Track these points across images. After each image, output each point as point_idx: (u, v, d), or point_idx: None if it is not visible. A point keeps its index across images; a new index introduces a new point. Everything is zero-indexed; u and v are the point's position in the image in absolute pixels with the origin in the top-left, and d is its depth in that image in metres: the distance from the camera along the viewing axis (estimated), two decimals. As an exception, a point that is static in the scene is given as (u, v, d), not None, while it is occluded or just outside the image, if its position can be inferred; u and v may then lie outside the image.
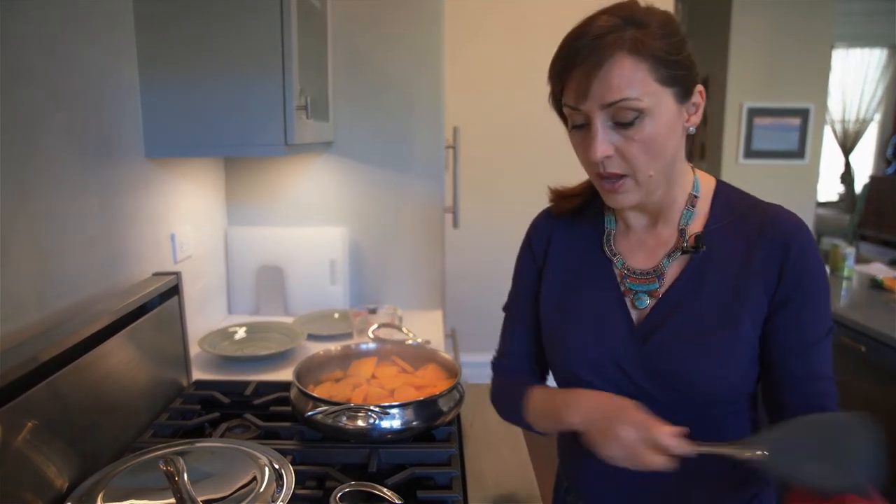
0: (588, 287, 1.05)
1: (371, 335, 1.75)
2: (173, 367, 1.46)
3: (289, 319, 2.06)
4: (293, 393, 1.27)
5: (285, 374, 1.56)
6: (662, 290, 0.99)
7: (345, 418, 1.18)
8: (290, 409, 1.29)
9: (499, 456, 1.28)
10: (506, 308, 1.18)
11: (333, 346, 1.47)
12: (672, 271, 0.99)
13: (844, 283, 3.09)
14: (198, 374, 1.61)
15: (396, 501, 0.87)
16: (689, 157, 1.04)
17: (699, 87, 0.94)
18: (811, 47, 4.31)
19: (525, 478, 1.21)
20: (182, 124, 1.47)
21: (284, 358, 1.74)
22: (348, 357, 1.46)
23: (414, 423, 1.20)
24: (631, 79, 0.85)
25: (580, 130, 0.92)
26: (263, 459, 0.99)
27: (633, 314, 1.00)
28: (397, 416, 1.19)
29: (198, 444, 1.06)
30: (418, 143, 2.15)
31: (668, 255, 1.00)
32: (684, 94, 0.91)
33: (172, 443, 1.07)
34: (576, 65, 0.87)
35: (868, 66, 7.20)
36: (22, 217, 1.05)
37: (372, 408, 1.19)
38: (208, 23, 1.43)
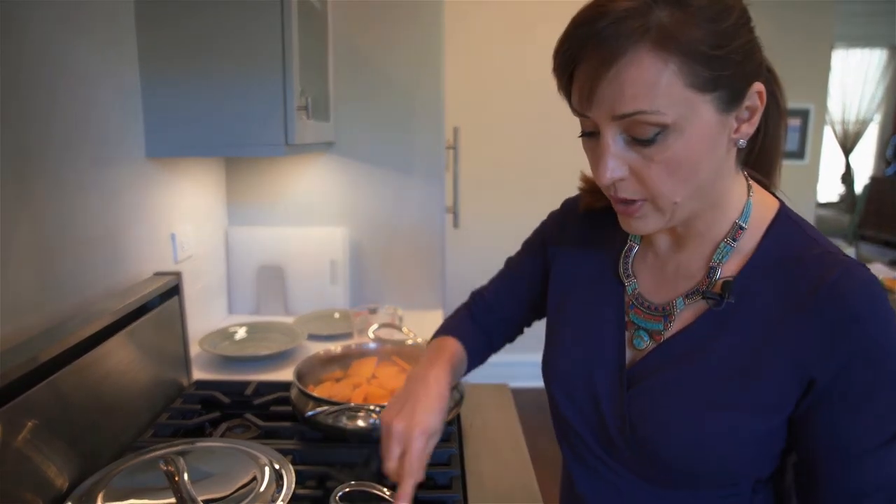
0: (592, 302, 0.90)
1: (371, 335, 1.75)
2: (174, 367, 1.46)
3: (289, 319, 2.06)
4: (293, 393, 1.27)
5: (286, 374, 1.56)
6: (667, 335, 0.81)
7: (345, 418, 1.18)
8: (290, 408, 1.29)
9: (499, 456, 1.28)
10: (508, 260, 1.15)
11: (334, 346, 1.47)
12: (685, 316, 0.80)
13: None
14: (198, 374, 1.61)
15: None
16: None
17: (757, 87, 0.71)
18: (811, 48, 4.31)
19: (525, 478, 1.21)
20: (183, 124, 1.47)
21: (285, 358, 1.74)
22: (349, 357, 1.46)
23: (414, 422, 1.20)
24: (651, 85, 0.65)
25: (591, 138, 0.74)
26: (264, 459, 0.99)
27: (628, 353, 0.84)
28: (397, 415, 1.19)
29: (198, 444, 1.06)
30: (419, 143, 2.15)
31: (687, 295, 0.80)
32: (732, 99, 0.69)
33: (173, 442, 1.08)
34: (580, 59, 0.69)
35: (868, 67, 7.20)
36: (23, 216, 1.05)
37: (372, 407, 1.19)
38: (209, 23, 1.43)
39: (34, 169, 1.09)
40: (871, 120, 7.34)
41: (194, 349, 1.70)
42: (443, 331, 1.11)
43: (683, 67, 0.65)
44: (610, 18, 0.65)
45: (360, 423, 1.18)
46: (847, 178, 7.48)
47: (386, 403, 1.19)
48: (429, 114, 2.14)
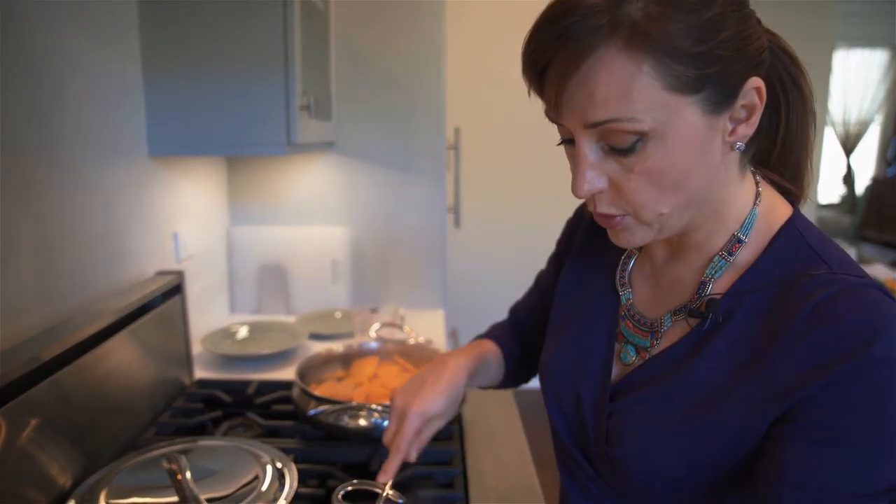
0: (587, 311, 0.87)
1: (373, 334, 1.75)
2: (176, 366, 1.47)
3: (291, 318, 2.06)
4: (295, 392, 1.27)
5: (287, 373, 1.57)
6: (653, 351, 0.76)
7: (347, 417, 1.19)
8: (292, 407, 1.29)
9: (500, 455, 1.28)
10: (537, 273, 1.10)
11: (335, 346, 1.48)
12: (672, 333, 0.75)
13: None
14: (200, 373, 1.62)
15: (398, 501, 0.87)
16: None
17: (754, 82, 0.62)
18: (812, 48, 4.30)
19: (526, 476, 1.21)
20: (185, 123, 1.47)
21: (286, 357, 1.74)
22: (350, 356, 1.46)
23: (416, 422, 1.20)
24: (623, 89, 0.59)
25: (571, 146, 0.67)
26: (266, 458, 1.00)
27: (615, 367, 0.80)
28: (399, 415, 1.19)
29: (200, 443, 1.06)
30: (420, 142, 2.15)
31: (675, 312, 0.74)
32: (722, 99, 0.61)
33: (175, 441, 1.08)
34: (548, 61, 0.62)
35: (869, 68, 7.19)
36: (25, 216, 1.05)
37: (374, 407, 1.19)
38: (212, 22, 1.43)
39: (36, 168, 1.09)
40: (872, 121, 7.34)
41: (196, 348, 1.70)
42: (483, 335, 1.11)
43: (660, 68, 0.58)
44: (577, 15, 0.58)
45: (362, 422, 1.18)
46: (848, 178, 7.48)
47: (387, 402, 1.20)
48: (430, 114, 2.14)
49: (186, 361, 1.52)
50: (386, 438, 0.90)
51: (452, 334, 2.33)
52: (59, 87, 1.15)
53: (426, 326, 1.99)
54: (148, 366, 1.31)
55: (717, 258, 0.72)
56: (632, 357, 0.78)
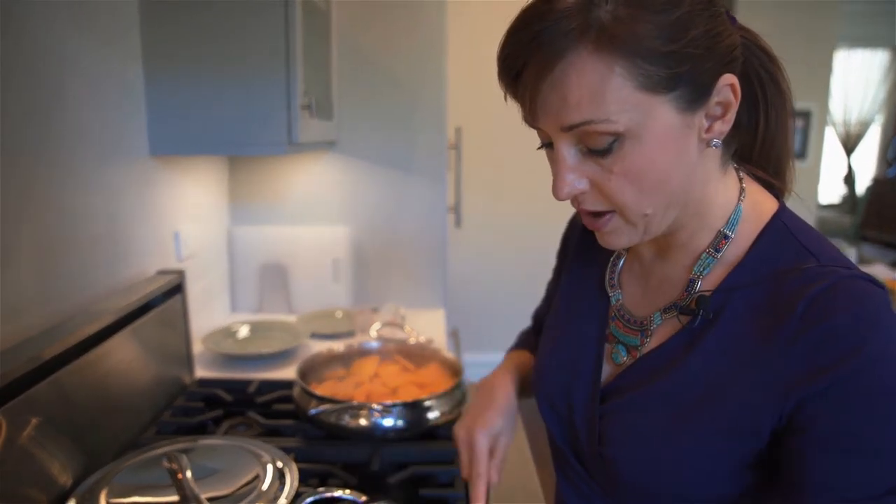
0: (578, 314, 0.87)
1: (374, 334, 1.75)
2: (176, 365, 1.47)
3: (292, 318, 2.06)
4: (296, 391, 1.27)
5: (288, 373, 1.57)
6: (643, 350, 0.76)
7: (347, 416, 1.19)
8: (292, 407, 1.29)
9: (501, 455, 1.28)
10: (548, 282, 1.10)
11: (336, 345, 1.48)
12: (663, 331, 0.75)
13: (846, 285, 3.07)
14: (201, 372, 1.62)
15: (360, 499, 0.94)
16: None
17: (727, 79, 0.63)
18: (813, 48, 4.31)
19: (527, 476, 1.21)
20: (186, 122, 1.47)
21: (287, 356, 1.74)
22: (351, 355, 1.46)
23: (416, 421, 1.20)
24: (596, 91, 0.59)
25: (551, 149, 0.68)
26: (266, 457, 1.00)
27: (606, 367, 0.80)
28: (400, 414, 1.19)
29: (201, 442, 1.06)
30: (421, 142, 2.15)
31: (664, 310, 0.75)
32: (696, 97, 0.62)
33: (175, 440, 1.08)
34: (520, 66, 0.63)
35: (870, 68, 7.19)
36: (26, 215, 1.05)
37: (374, 406, 1.19)
38: (213, 22, 1.43)
39: (36, 167, 1.09)
40: (872, 121, 7.33)
41: (197, 347, 1.70)
42: (513, 346, 1.13)
43: (632, 68, 0.58)
44: (548, 20, 0.59)
45: (363, 421, 1.18)
46: (849, 179, 7.47)
47: (388, 402, 1.20)
48: (431, 113, 2.14)
49: (187, 361, 1.52)
50: (464, 472, 0.90)
51: (453, 334, 2.33)
52: (60, 86, 1.15)
53: (427, 326, 1.99)
54: (149, 365, 1.31)
55: (704, 255, 0.72)
56: (623, 357, 0.78)
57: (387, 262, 2.23)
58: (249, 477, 0.94)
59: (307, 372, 1.36)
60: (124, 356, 1.21)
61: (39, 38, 1.09)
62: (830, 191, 7.60)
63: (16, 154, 1.02)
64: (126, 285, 1.36)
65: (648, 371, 0.74)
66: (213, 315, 2.01)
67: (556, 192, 0.67)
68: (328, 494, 0.94)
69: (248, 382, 1.49)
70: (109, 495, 0.90)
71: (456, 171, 2.29)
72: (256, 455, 1.00)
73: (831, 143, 7.12)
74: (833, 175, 7.48)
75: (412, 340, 1.61)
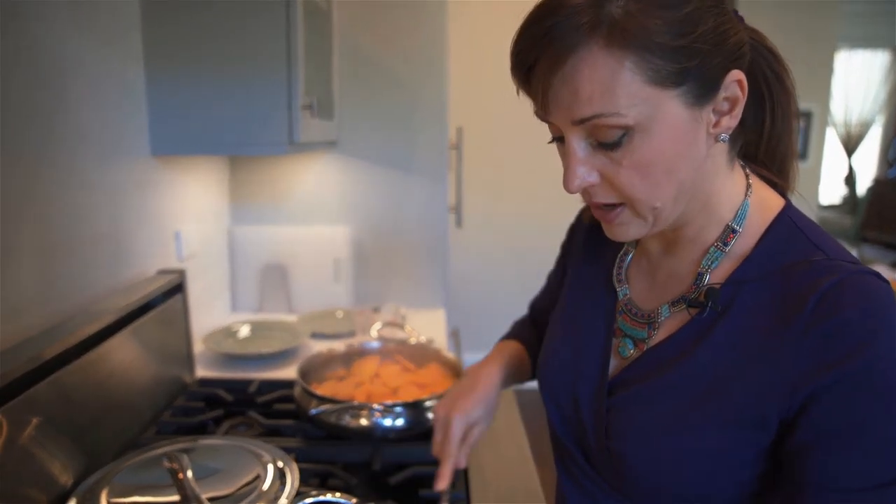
0: (585, 309, 0.88)
1: (374, 334, 1.75)
2: (177, 365, 1.47)
3: (292, 318, 2.06)
4: (297, 391, 1.27)
5: (289, 373, 1.57)
6: (651, 343, 0.76)
7: (348, 417, 1.19)
8: (293, 407, 1.29)
9: (501, 453, 1.28)
10: (550, 272, 1.10)
11: (337, 345, 1.48)
12: (671, 324, 0.75)
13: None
14: (201, 372, 1.62)
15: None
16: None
17: (735, 75, 0.64)
18: (814, 49, 4.30)
19: (527, 476, 1.21)
20: (188, 122, 1.47)
21: (288, 356, 1.74)
22: (351, 355, 1.46)
23: (417, 421, 1.20)
24: (607, 85, 0.60)
25: (562, 143, 0.69)
26: (267, 457, 0.99)
27: (613, 361, 0.81)
28: (400, 414, 1.19)
29: (201, 442, 1.06)
30: (422, 142, 2.15)
31: (672, 303, 0.75)
32: (704, 92, 0.63)
33: (176, 440, 1.08)
34: (534, 60, 0.64)
35: (871, 69, 7.19)
36: (27, 215, 1.06)
37: (375, 406, 1.19)
38: (214, 22, 1.43)
39: (38, 167, 1.09)
40: (873, 122, 7.33)
41: (198, 347, 1.70)
42: (506, 336, 1.13)
43: (642, 63, 0.60)
44: (560, 15, 0.61)
45: (363, 421, 1.18)
46: (850, 179, 7.47)
47: (389, 402, 1.20)
48: (432, 113, 2.14)
49: (188, 360, 1.52)
50: (435, 449, 0.93)
51: (453, 334, 2.33)
52: (61, 86, 1.15)
53: (427, 326, 1.99)
54: (149, 365, 1.31)
55: (712, 249, 0.73)
56: (630, 350, 0.79)
57: (387, 262, 2.23)
58: (250, 477, 0.94)
59: (308, 372, 1.36)
60: (125, 356, 1.21)
61: (41, 38, 1.09)
62: (831, 191, 7.60)
63: (17, 154, 1.02)
64: (127, 285, 1.36)
65: (656, 363, 0.74)
66: (213, 315, 2.01)
67: (567, 185, 0.68)
68: (321, 498, 0.94)
69: (248, 382, 1.49)
70: (110, 495, 0.90)
71: (457, 171, 2.29)
72: (257, 455, 1.00)
73: (832, 143, 7.12)
74: (834, 176, 7.48)
75: (413, 340, 1.61)
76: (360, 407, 1.19)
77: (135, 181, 1.43)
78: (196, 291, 1.80)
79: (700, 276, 0.73)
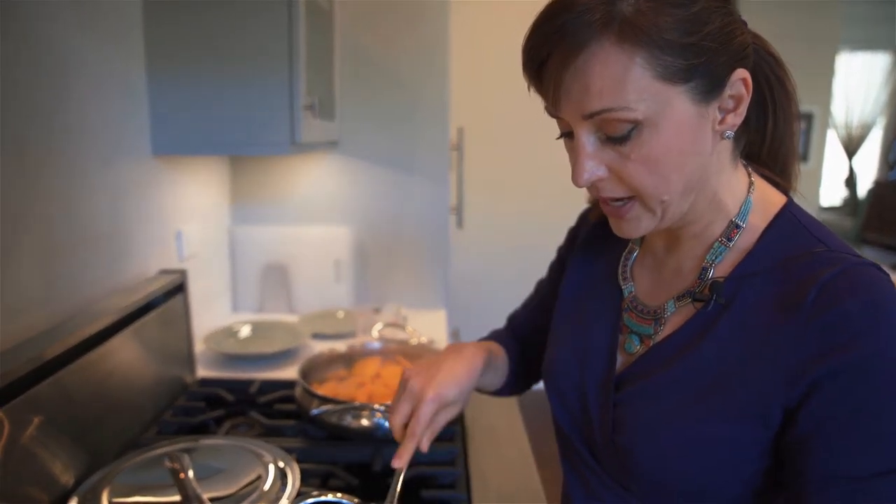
0: (591, 307, 0.88)
1: (375, 334, 1.75)
2: (178, 365, 1.47)
3: (293, 318, 2.06)
4: (298, 391, 1.27)
5: (289, 373, 1.57)
6: (657, 339, 0.77)
7: (349, 417, 1.19)
8: (294, 407, 1.29)
9: (502, 455, 1.28)
10: (537, 282, 1.09)
11: (338, 345, 1.48)
12: (676, 319, 0.76)
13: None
14: (202, 372, 1.62)
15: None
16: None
17: (740, 74, 0.66)
18: (816, 51, 4.31)
19: (529, 477, 1.21)
20: (189, 122, 1.47)
21: (289, 356, 1.74)
22: (353, 356, 1.46)
23: (418, 422, 1.20)
24: (617, 80, 0.62)
25: (570, 139, 0.71)
26: (268, 457, 1.00)
27: (620, 357, 0.81)
28: (402, 415, 1.19)
29: (202, 442, 1.06)
30: (423, 143, 2.15)
31: (678, 298, 0.76)
32: (710, 89, 0.65)
33: (177, 440, 1.08)
34: (546, 56, 0.66)
35: (872, 71, 7.19)
36: (29, 214, 1.06)
37: (376, 407, 1.19)
38: (217, 21, 1.43)
39: (39, 167, 1.09)
40: (874, 124, 7.33)
41: (199, 347, 1.70)
42: (488, 337, 1.10)
43: (651, 59, 0.62)
44: (573, 12, 0.63)
45: (364, 421, 1.18)
46: (850, 181, 7.47)
47: (390, 402, 1.20)
48: (434, 113, 2.14)
49: (189, 360, 1.52)
50: (396, 421, 0.86)
51: (454, 334, 2.33)
52: (63, 85, 1.15)
53: (428, 326, 1.99)
54: (150, 364, 1.31)
55: (716, 244, 0.74)
56: (636, 346, 0.79)
57: (388, 262, 2.23)
58: (251, 477, 0.94)
59: (309, 372, 1.36)
60: (126, 356, 1.21)
61: (43, 38, 1.09)
62: (832, 193, 7.60)
63: (18, 153, 1.03)
64: (128, 285, 1.36)
65: (661, 359, 0.75)
66: (214, 315, 2.01)
67: (576, 179, 0.69)
68: (322, 498, 0.94)
69: (249, 382, 1.49)
70: (111, 495, 0.90)
71: (458, 171, 2.29)
72: (258, 455, 1.00)
73: (833, 145, 7.11)
74: (834, 177, 7.47)
75: (414, 341, 1.61)
76: (362, 407, 1.19)
77: (136, 181, 1.43)
78: (197, 291, 1.80)
79: (704, 270, 0.74)
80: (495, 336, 1.10)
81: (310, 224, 2.18)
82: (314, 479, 1.12)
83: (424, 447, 0.86)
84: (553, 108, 0.69)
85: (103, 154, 1.29)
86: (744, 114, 0.68)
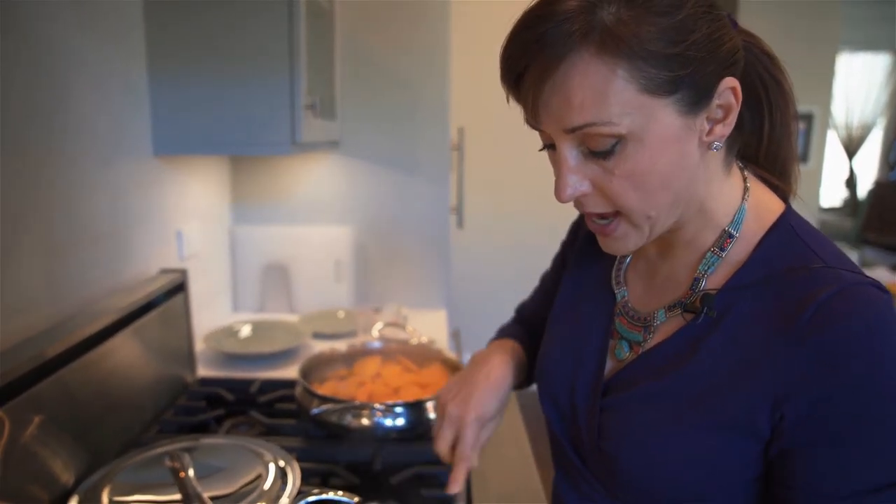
0: (584, 311, 0.87)
1: (375, 334, 1.75)
2: (179, 364, 1.47)
3: (294, 317, 2.06)
4: (298, 390, 1.27)
5: (290, 372, 1.57)
6: (646, 346, 0.75)
7: (350, 416, 1.19)
8: (294, 406, 1.29)
9: (502, 454, 1.28)
10: (542, 275, 1.08)
11: (338, 345, 1.48)
12: (666, 328, 0.74)
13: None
14: (203, 371, 1.62)
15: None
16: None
17: (728, 83, 0.63)
18: (816, 52, 4.30)
19: (529, 477, 1.21)
20: (190, 122, 1.47)
21: (289, 356, 1.74)
22: (353, 355, 1.46)
23: (418, 421, 1.20)
24: (599, 93, 0.59)
25: (553, 151, 0.68)
26: (268, 456, 1.00)
27: (609, 363, 0.80)
28: (402, 414, 1.19)
29: (203, 441, 1.06)
30: (424, 143, 2.15)
31: (669, 307, 0.74)
32: (697, 100, 0.62)
33: (178, 439, 1.08)
34: (523, 67, 0.63)
35: (872, 71, 7.18)
36: (29, 214, 1.06)
37: (377, 406, 1.19)
38: (218, 21, 1.43)
39: (40, 166, 1.09)
40: (874, 124, 7.32)
41: (199, 346, 1.70)
42: (498, 335, 1.09)
43: (634, 71, 0.58)
44: (551, 21, 0.59)
45: (365, 421, 1.18)
46: (850, 182, 7.46)
47: (390, 402, 1.20)
48: (434, 114, 2.14)
49: (189, 359, 1.52)
50: (442, 448, 0.87)
51: (455, 334, 2.33)
52: (64, 85, 1.15)
53: (429, 326, 1.99)
54: (151, 363, 1.31)
55: (709, 254, 0.72)
56: (626, 353, 0.78)
57: (389, 262, 2.23)
58: (251, 476, 0.94)
59: (309, 371, 1.36)
60: (126, 355, 1.21)
61: (43, 37, 1.09)
62: (832, 194, 7.60)
63: (18, 153, 1.03)
64: (128, 284, 1.36)
65: (650, 367, 0.73)
66: (215, 314, 2.01)
67: (559, 194, 0.67)
68: (323, 496, 0.94)
69: (250, 382, 1.49)
70: (112, 494, 0.90)
71: (458, 171, 2.29)
72: (258, 454, 1.00)
73: (833, 146, 7.11)
74: (835, 178, 7.47)
75: (414, 341, 1.61)
76: (362, 407, 1.19)
77: (137, 181, 1.43)
78: (198, 291, 1.80)
79: (696, 281, 0.72)
80: (509, 332, 1.08)
81: (310, 224, 2.18)
82: (314, 479, 1.12)
83: (475, 463, 0.86)
84: (533, 121, 0.66)
85: (104, 154, 1.29)
86: (733, 124, 0.65)
